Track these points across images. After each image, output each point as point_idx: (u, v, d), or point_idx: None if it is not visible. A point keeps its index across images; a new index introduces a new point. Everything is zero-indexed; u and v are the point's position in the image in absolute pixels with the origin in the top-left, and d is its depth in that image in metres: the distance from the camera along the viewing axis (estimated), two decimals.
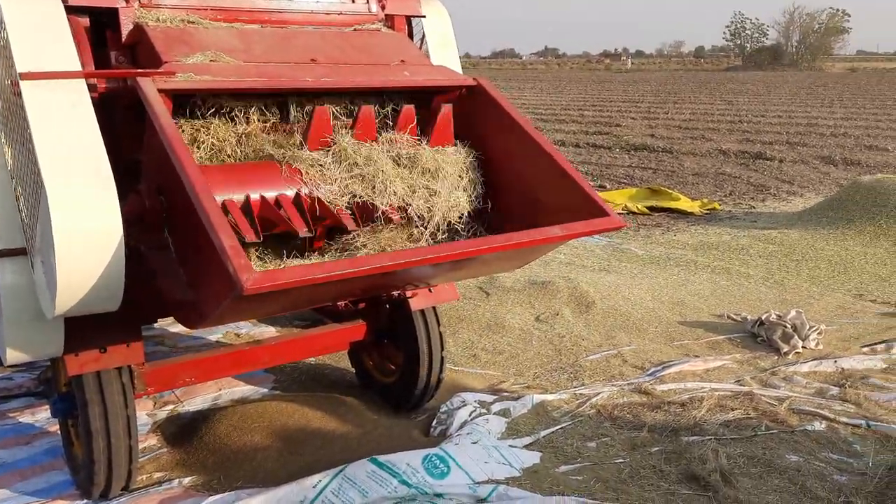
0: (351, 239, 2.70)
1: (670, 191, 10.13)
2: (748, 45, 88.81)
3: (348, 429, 3.54)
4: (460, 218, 2.93)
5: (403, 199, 2.75)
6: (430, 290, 3.56)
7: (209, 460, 3.32)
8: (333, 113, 2.86)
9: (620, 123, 19.50)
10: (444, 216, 2.85)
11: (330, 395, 3.93)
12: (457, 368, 4.35)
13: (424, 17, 3.56)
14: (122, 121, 2.66)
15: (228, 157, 2.69)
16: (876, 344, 4.82)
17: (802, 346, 4.70)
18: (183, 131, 2.62)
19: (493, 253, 2.53)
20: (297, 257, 2.64)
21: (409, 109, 2.96)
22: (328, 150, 2.75)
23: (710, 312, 5.48)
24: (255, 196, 2.56)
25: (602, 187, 10.94)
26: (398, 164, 2.82)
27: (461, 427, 3.53)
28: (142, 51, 2.71)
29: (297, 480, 2.99)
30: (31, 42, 2.35)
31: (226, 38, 2.85)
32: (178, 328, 4.60)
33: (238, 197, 2.53)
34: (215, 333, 4.80)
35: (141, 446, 3.34)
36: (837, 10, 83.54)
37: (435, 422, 3.67)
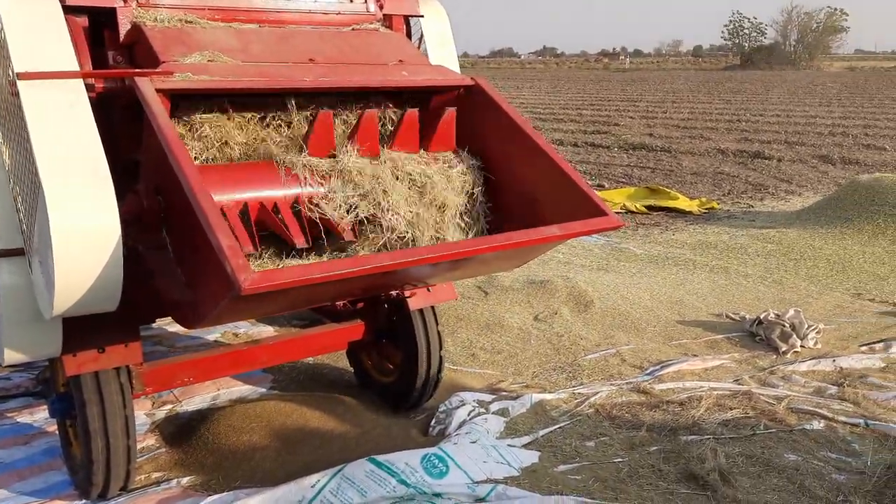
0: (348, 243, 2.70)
1: (669, 190, 10.13)
2: (746, 45, 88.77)
3: (347, 428, 3.54)
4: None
5: (407, 229, 2.73)
6: (428, 290, 3.56)
7: (207, 460, 3.32)
8: (334, 114, 2.86)
9: (619, 123, 19.50)
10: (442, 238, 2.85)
11: (328, 394, 3.93)
12: (455, 368, 4.35)
13: (422, 16, 3.56)
14: (119, 121, 2.65)
15: (226, 157, 2.69)
16: (874, 343, 4.83)
17: (801, 346, 4.70)
18: (181, 131, 2.62)
19: (491, 253, 2.53)
20: (295, 257, 2.64)
21: (412, 114, 2.92)
22: (331, 161, 2.73)
23: (708, 312, 5.48)
24: (252, 199, 2.55)
25: (600, 186, 10.95)
26: (399, 180, 2.80)
27: (460, 426, 3.53)
28: (139, 50, 2.71)
29: (296, 480, 2.99)
30: (29, 42, 2.35)
31: (224, 37, 2.84)
32: (177, 328, 4.59)
33: (235, 198, 2.53)
34: (213, 333, 4.80)
35: (139, 446, 3.34)
36: (835, 9, 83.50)
37: (433, 421, 3.67)
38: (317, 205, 2.63)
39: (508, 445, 3.43)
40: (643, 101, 28.04)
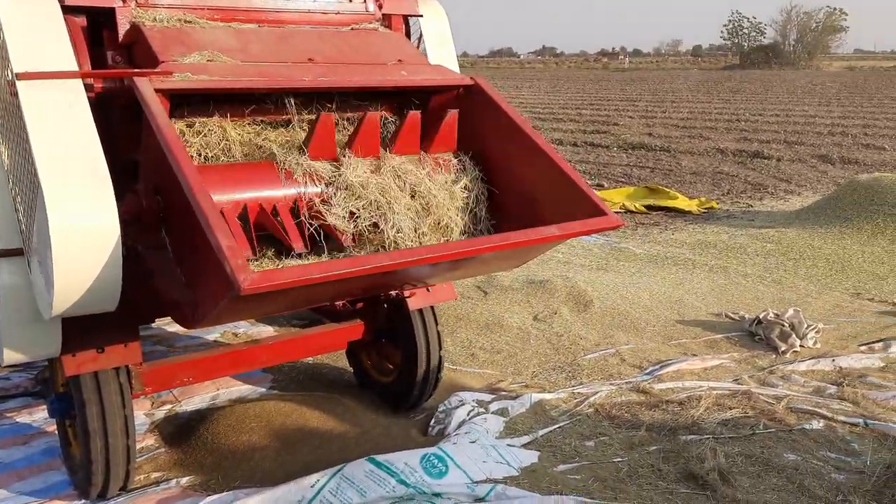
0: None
1: (668, 189, 10.13)
2: (746, 44, 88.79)
3: (346, 428, 3.54)
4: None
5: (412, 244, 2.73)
6: (428, 290, 3.56)
7: (207, 460, 3.32)
8: (336, 117, 2.85)
9: (618, 122, 19.50)
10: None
11: (328, 394, 3.93)
12: (455, 368, 4.35)
13: (422, 16, 3.56)
14: (118, 121, 2.65)
15: (226, 157, 2.69)
16: (874, 342, 4.83)
17: (800, 345, 4.70)
18: (180, 131, 2.61)
19: (490, 253, 2.53)
20: (294, 257, 2.63)
21: (414, 116, 2.91)
22: (333, 166, 2.72)
23: (707, 311, 5.48)
24: (251, 200, 2.55)
25: (600, 186, 10.95)
26: (401, 190, 2.80)
27: (459, 426, 3.53)
28: (138, 50, 2.71)
29: (295, 480, 2.99)
30: (28, 42, 2.35)
31: (223, 37, 2.84)
32: (176, 328, 4.59)
33: (235, 198, 2.53)
34: (213, 333, 4.80)
35: (139, 446, 3.34)
36: (835, 8, 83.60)
37: (433, 421, 3.67)
38: (317, 211, 2.63)
39: (508, 445, 3.43)
40: (642, 100, 28.05)
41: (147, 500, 3.03)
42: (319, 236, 2.63)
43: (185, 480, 3.17)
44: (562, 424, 3.67)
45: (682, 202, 9.51)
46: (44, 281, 2.32)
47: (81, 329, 2.62)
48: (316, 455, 3.30)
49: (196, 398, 3.92)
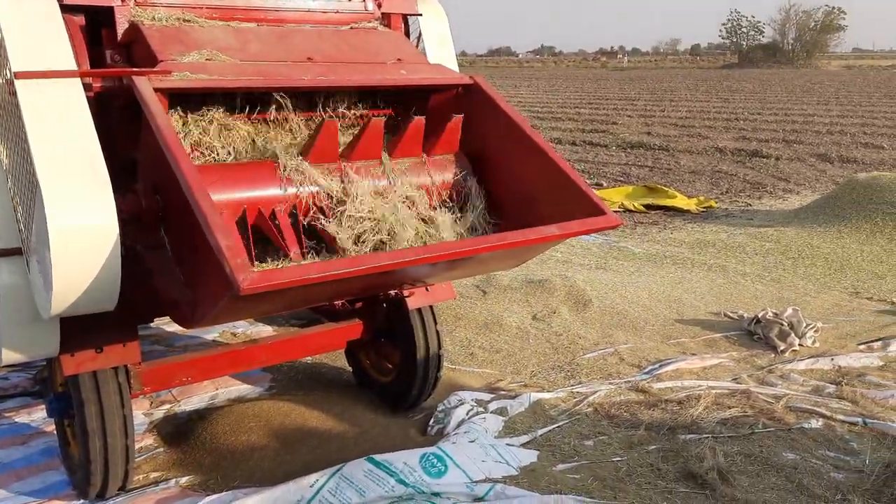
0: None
1: (667, 189, 10.14)
2: (744, 43, 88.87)
3: (345, 428, 3.54)
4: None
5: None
6: (427, 289, 3.55)
7: (206, 460, 3.31)
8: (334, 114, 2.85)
9: (617, 121, 19.50)
10: None
11: (327, 394, 3.92)
12: (454, 367, 4.35)
13: (421, 15, 3.55)
14: (117, 120, 2.64)
15: (225, 156, 2.69)
16: (872, 341, 4.83)
17: (799, 344, 4.71)
18: (180, 131, 2.61)
19: (489, 252, 2.53)
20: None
21: (419, 122, 2.89)
22: (334, 177, 2.71)
23: (706, 310, 5.48)
24: (250, 201, 2.55)
25: (598, 185, 10.95)
26: (405, 203, 2.79)
27: (458, 426, 3.52)
28: (137, 49, 2.70)
29: (294, 480, 2.98)
30: (26, 41, 2.34)
31: (222, 36, 2.84)
32: (175, 327, 4.58)
33: (234, 198, 2.52)
34: (212, 333, 4.80)
35: (137, 446, 3.34)
36: (833, 7, 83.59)
37: (432, 421, 3.66)
38: (318, 218, 2.62)
39: (507, 444, 3.43)
40: (641, 99, 28.05)
41: (146, 499, 3.02)
42: (318, 243, 2.63)
43: (183, 480, 3.17)
44: (561, 424, 3.67)
45: (680, 201, 9.52)
46: (42, 280, 2.32)
47: (80, 329, 2.62)
48: (315, 455, 3.30)
49: (195, 398, 3.92)
